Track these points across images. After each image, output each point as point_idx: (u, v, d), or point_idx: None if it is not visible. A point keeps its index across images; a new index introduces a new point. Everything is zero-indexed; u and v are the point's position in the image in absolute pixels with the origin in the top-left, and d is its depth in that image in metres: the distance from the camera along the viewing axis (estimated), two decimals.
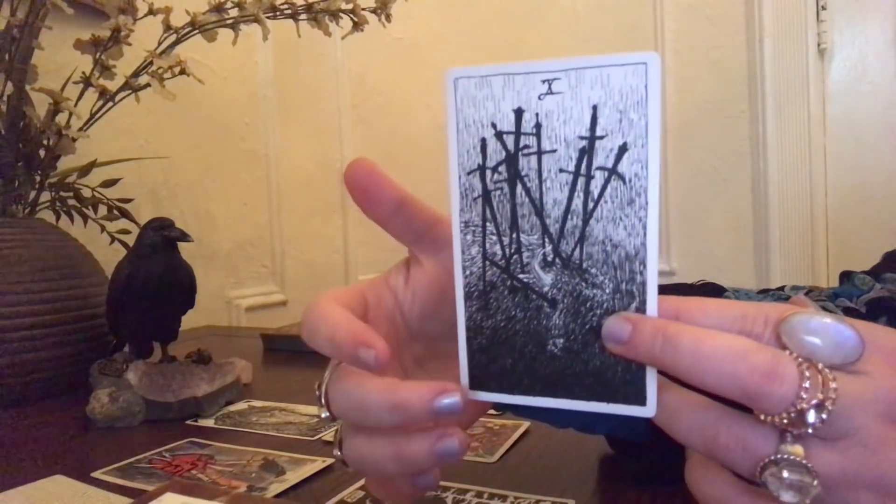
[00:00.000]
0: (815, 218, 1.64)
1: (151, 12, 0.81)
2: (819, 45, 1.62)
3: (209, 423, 0.59)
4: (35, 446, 0.54)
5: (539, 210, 0.27)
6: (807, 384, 0.23)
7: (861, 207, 1.63)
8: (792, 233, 1.64)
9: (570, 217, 0.27)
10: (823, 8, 1.60)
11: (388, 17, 0.89)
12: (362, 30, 0.89)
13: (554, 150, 0.27)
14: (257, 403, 0.64)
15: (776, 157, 1.65)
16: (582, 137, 0.26)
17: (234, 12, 0.83)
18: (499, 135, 0.27)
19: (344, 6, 0.86)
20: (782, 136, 1.64)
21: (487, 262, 0.28)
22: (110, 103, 0.80)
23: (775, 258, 1.64)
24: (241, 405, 0.64)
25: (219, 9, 0.82)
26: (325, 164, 1.57)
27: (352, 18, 0.87)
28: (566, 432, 0.52)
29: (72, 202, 0.85)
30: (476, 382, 0.29)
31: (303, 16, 0.86)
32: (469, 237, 0.29)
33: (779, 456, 0.24)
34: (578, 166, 0.26)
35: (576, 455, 0.47)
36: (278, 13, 0.85)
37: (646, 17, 1.77)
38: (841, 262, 1.62)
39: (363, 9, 0.88)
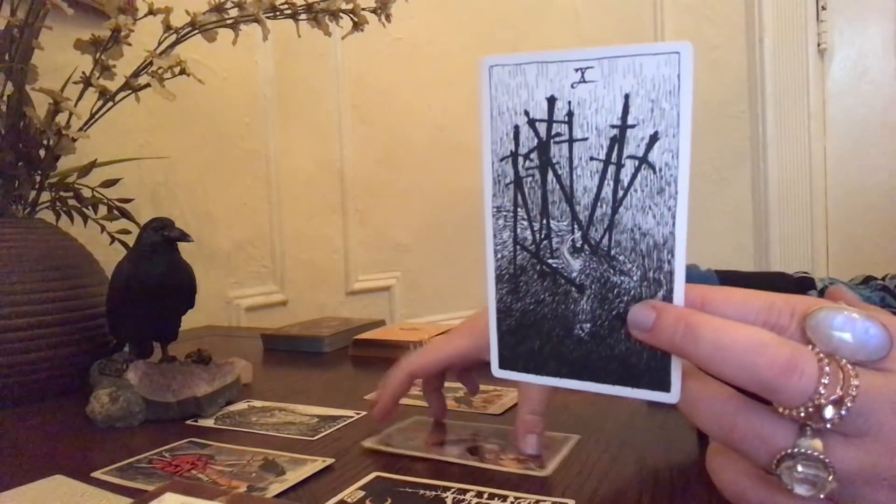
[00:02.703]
0: (815, 218, 1.64)
1: (151, 12, 0.81)
2: (819, 45, 1.62)
3: (209, 423, 0.59)
4: (35, 446, 0.54)
5: (569, 197, 0.28)
6: (826, 380, 0.23)
7: (861, 207, 1.63)
8: (792, 233, 1.64)
9: (599, 204, 0.27)
10: (823, 8, 1.60)
11: (388, 17, 0.89)
12: (362, 30, 0.89)
13: (585, 138, 0.27)
14: (257, 403, 0.64)
15: (776, 157, 1.65)
16: (613, 126, 0.26)
17: (234, 12, 0.83)
18: (531, 122, 0.28)
19: (344, 6, 0.86)
20: (782, 136, 1.64)
21: (518, 247, 0.29)
22: (110, 103, 0.79)
23: (775, 258, 1.64)
24: (241, 405, 0.64)
25: (219, 9, 0.82)
26: (325, 164, 1.57)
27: (352, 18, 0.87)
28: (566, 432, 0.52)
29: (72, 202, 0.85)
30: (504, 362, 0.30)
31: (303, 16, 0.86)
32: (500, 222, 0.29)
33: (796, 449, 0.24)
34: (609, 154, 0.27)
35: (576, 455, 0.47)
36: (278, 13, 0.85)
37: (646, 16, 1.77)
38: (841, 261, 1.62)
39: (363, 9, 0.88)
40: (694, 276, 0.51)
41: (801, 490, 0.23)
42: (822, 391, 0.23)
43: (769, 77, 1.64)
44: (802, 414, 0.23)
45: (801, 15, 1.62)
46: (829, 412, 0.23)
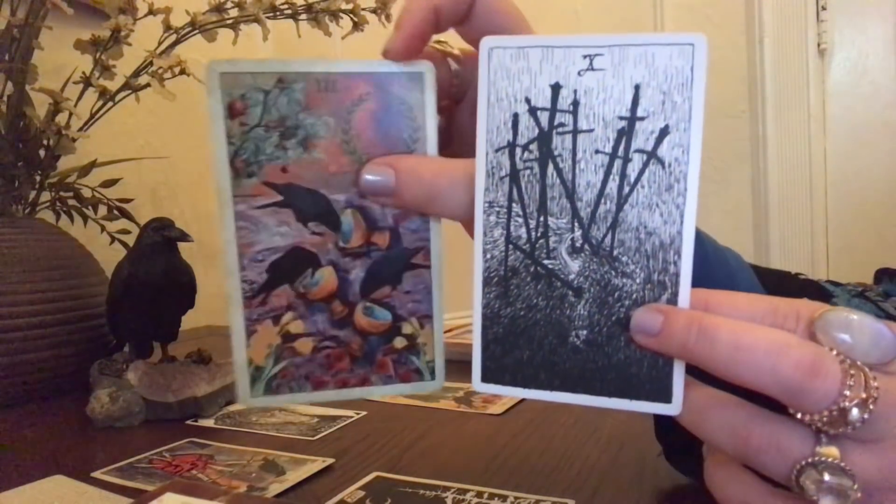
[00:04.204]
0: (815, 218, 1.64)
1: (151, 12, 0.81)
2: (819, 45, 1.62)
3: (209, 423, 0.59)
4: (35, 446, 0.54)
5: (570, 192, 0.26)
6: (851, 381, 0.22)
7: (861, 207, 1.62)
8: (792, 233, 1.64)
9: (603, 201, 0.25)
10: (823, 8, 1.60)
11: (388, 17, 0.89)
12: (362, 30, 0.89)
13: (591, 130, 0.25)
14: None
15: (776, 157, 1.65)
16: (622, 118, 0.25)
17: (234, 12, 0.83)
18: (532, 111, 0.26)
19: (344, 6, 0.86)
20: (782, 136, 1.65)
21: (511, 246, 0.27)
22: (110, 103, 0.79)
23: (775, 258, 1.64)
24: (241, 405, 0.64)
25: (219, 9, 0.82)
26: None
27: (352, 18, 0.87)
28: (566, 432, 0.52)
29: (72, 202, 0.85)
30: (488, 374, 0.27)
31: (303, 16, 0.86)
32: (493, 218, 0.27)
33: (816, 458, 0.22)
34: (616, 148, 0.25)
35: (576, 455, 0.47)
36: (278, 13, 0.85)
37: (646, 16, 1.77)
38: (841, 262, 1.62)
39: (363, 9, 0.88)
40: (732, 263, 0.46)
41: (827, 501, 0.22)
42: (847, 392, 0.22)
43: (769, 77, 1.63)
44: (825, 418, 0.22)
45: (801, 15, 1.62)
46: (854, 415, 0.22)
